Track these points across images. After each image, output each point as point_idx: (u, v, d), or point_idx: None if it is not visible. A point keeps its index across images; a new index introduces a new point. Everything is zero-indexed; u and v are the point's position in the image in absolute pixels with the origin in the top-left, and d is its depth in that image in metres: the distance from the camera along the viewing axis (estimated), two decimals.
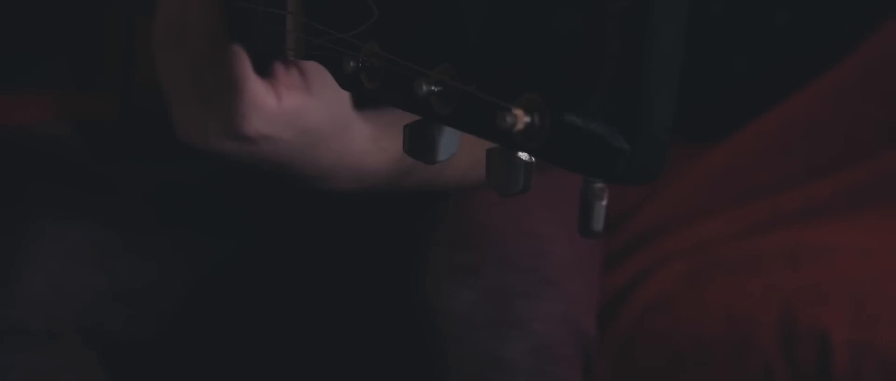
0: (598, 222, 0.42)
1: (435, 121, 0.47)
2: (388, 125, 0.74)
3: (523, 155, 0.44)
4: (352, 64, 0.50)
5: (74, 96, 1.06)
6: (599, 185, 0.42)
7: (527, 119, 0.41)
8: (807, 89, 1.50)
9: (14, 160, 1.02)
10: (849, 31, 1.54)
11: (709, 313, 1.26)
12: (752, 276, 1.30)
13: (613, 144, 0.38)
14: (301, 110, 0.65)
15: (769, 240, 1.36)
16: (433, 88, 0.45)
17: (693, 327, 1.26)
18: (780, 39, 1.67)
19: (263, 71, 0.66)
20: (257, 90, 0.64)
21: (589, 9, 0.39)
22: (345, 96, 0.69)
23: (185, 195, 1.04)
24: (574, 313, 0.82)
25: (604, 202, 0.42)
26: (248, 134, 0.65)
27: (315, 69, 0.65)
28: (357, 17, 0.51)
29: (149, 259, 1.01)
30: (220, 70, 0.64)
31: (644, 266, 1.33)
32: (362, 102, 0.71)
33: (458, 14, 0.45)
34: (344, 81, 0.52)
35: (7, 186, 0.99)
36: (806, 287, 1.26)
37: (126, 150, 0.99)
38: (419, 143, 0.50)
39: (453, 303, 0.79)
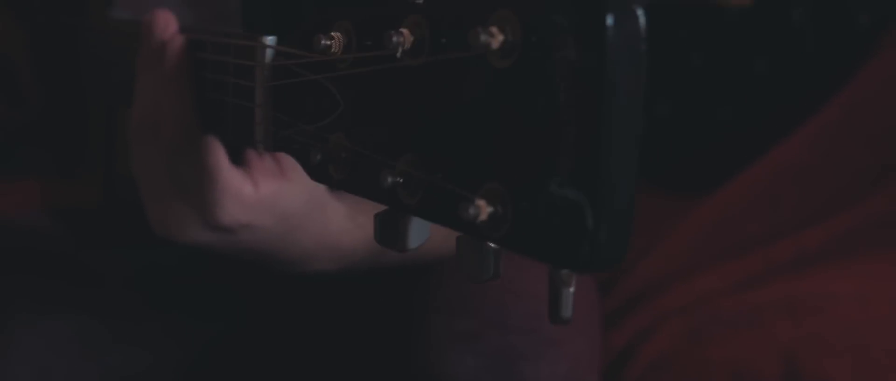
0: (567, 309, 0.42)
1: (402, 211, 0.46)
2: (363, 202, 0.73)
3: (491, 243, 0.43)
4: (319, 156, 0.50)
5: (57, 184, 1.06)
6: (566, 271, 0.42)
7: (490, 209, 0.40)
8: (792, 137, 1.50)
9: None
10: (829, 76, 1.54)
11: (713, 370, 1.25)
12: (752, 330, 1.29)
13: (575, 233, 0.38)
14: (279, 196, 0.65)
15: (766, 292, 1.35)
16: (398, 179, 0.45)
17: None
18: (761, 87, 1.67)
19: (238, 160, 0.66)
20: (233, 179, 0.64)
21: (545, 99, 0.39)
22: None
23: (168, 280, 1.04)
24: (577, 372, 0.82)
25: (571, 289, 0.41)
26: (225, 223, 0.64)
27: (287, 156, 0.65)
28: (324, 109, 0.51)
29: (139, 346, 1.00)
30: (194, 161, 0.64)
31: (643, 325, 1.32)
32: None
33: (420, 105, 0.45)
34: (313, 172, 0.52)
35: None
36: (807, 338, 1.25)
37: (108, 238, 0.99)
38: (389, 232, 0.49)
39: (456, 369, 0.78)
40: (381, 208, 0.77)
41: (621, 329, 1.32)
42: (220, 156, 0.64)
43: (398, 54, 0.45)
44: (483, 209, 0.40)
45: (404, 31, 0.44)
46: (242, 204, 0.64)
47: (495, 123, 0.41)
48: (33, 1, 1.03)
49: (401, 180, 0.45)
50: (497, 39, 0.39)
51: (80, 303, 1.00)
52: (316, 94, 0.52)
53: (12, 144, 1.13)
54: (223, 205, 0.63)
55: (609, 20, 0.36)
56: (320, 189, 0.69)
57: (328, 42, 0.49)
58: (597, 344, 0.89)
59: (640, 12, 0.37)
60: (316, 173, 0.51)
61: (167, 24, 0.65)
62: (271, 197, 0.65)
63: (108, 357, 0.98)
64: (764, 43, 1.64)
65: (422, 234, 0.49)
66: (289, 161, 0.65)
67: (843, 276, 1.34)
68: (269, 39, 0.55)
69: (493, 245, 0.44)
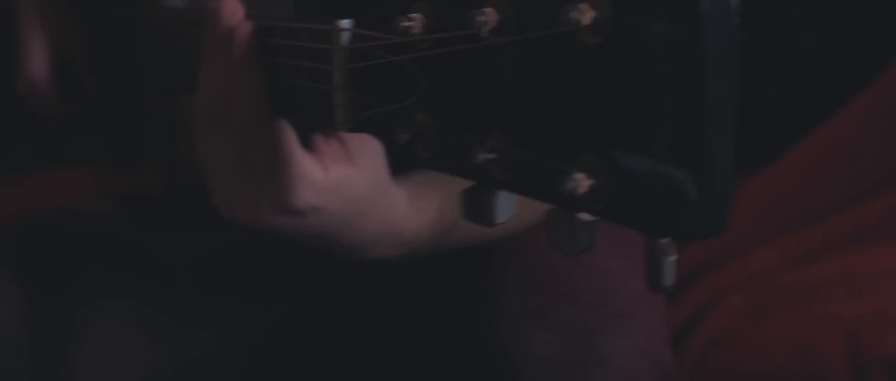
0: (669, 277, 0.42)
1: (494, 187, 0.47)
2: (422, 186, 0.75)
3: (585, 214, 0.44)
4: (405, 136, 0.50)
5: (116, 172, 1.07)
6: (665, 240, 0.42)
7: (589, 182, 0.41)
8: (843, 111, 1.49)
9: (62, 242, 1.04)
10: (878, 49, 1.53)
11: (774, 346, 1.25)
12: (812, 305, 1.28)
13: (678, 202, 0.38)
14: (347, 180, 0.66)
15: (824, 267, 1.34)
16: (490, 155, 0.45)
17: (759, 361, 1.25)
18: (809, 62, 1.66)
19: (304, 145, 0.66)
20: (306, 163, 0.65)
21: (639, 73, 0.39)
22: (383, 164, 0.69)
23: (232, 265, 1.05)
24: (652, 345, 0.82)
25: (672, 258, 0.42)
26: (297, 206, 0.65)
27: (355, 140, 0.67)
28: (404, 89, 0.52)
29: (204, 330, 1.02)
30: (266, 145, 0.65)
31: (701, 302, 1.32)
32: (398, 168, 0.72)
33: (507, 82, 0.45)
34: (397, 151, 0.52)
35: (59, 268, 1.01)
36: (870, 313, 1.25)
37: (171, 223, 1.00)
38: (477, 207, 0.50)
39: (531, 346, 0.78)
40: (439, 191, 0.79)
41: (679, 306, 1.32)
42: (292, 140, 0.64)
43: (483, 33, 0.45)
44: (581, 182, 0.40)
45: (488, 10, 0.45)
46: (313, 187, 0.65)
47: (587, 97, 0.41)
48: None
49: (493, 157, 0.45)
50: (587, 16, 0.40)
51: (146, 289, 1.01)
52: (396, 75, 0.52)
53: (70, 134, 1.15)
54: (295, 188, 0.64)
55: None
56: (384, 176, 0.70)
57: (408, 23, 0.49)
58: (665, 316, 0.89)
59: None
60: (402, 153, 0.52)
61: (234, 11, 0.66)
62: (340, 181, 0.66)
63: (175, 342, 1.00)
64: (812, 18, 1.63)
65: (508, 208, 0.49)
66: (355, 147, 0.67)
67: None
68: (345, 22, 0.56)
69: (586, 217, 0.44)
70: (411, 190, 0.74)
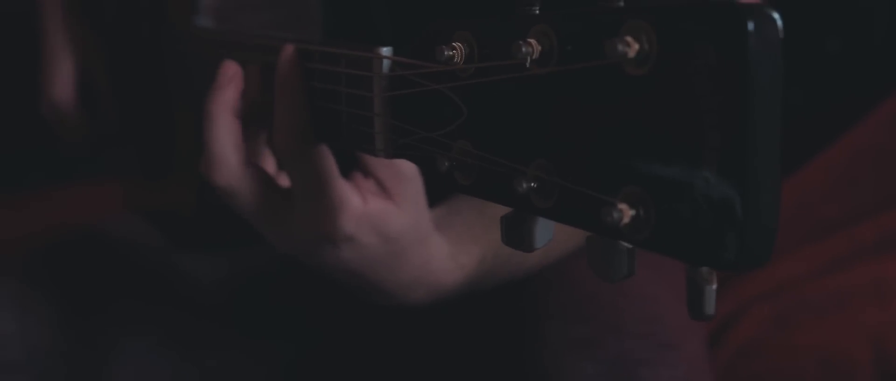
0: (710, 306, 0.42)
1: (535, 215, 0.47)
2: (463, 239, 0.74)
3: (625, 242, 0.44)
4: (446, 163, 0.51)
5: (145, 188, 1.08)
6: (706, 269, 0.42)
7: (632, 212, 0.41)
8: (868, 118, 1.49)
9: (93, 262, 1.05)
10: None
11: (802, 356, 1.25)
12: (839, 315, 1.28)
13: (723, 234, 0.39)
14: (384, 214, 0.66)
15: (851, 275, 1.34)
16: (532, 184, 0.46)
17: (787, 370, 1.25)
18: (834, 68, 1.65)
19: (343, 176, 0.66)
20: (343, 189, 0.64)
21: (685, 105, 0.40)
22: (424, 211, 0.69)
23: (265, 283, 1.06)
24: (694, 375, 0.80)
25: (714, 286, 0.42)
26: (334, 234, 0.65)
27: (394, 179, 0.66)
28: (445, 116, 0.52)
29: (237, 350, 1.02)
30: (305, 169, 0.65)
31: (729, 311, 1.32)
32: (438, 218, 0.71)
33: (549, 111, 0.46)
34: (437, 178, 0.53)
35: (91, 285, 1.02)
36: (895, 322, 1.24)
37: (203, 240, 1.01)
38: (516, 233, 0.50)
39: (576, 378, 0.77)
40: (480, 243, 0.78)
41: None
42: (332, 165, 0.65)
43: (527, 64, 0.46)
44: (625, 213, 0.41)
45: (532, 40, 0.46)
46: (350, 215, 0.64)
47: (630, 128, 0.42)
48: (112, 12, 1.05)
49: (534, 186, 0.46)
50: (633, 49, 0.40)
51: (178, 306, 1.02)
52: (436, 102, 0.53)
53: (92, 154, 1.16)
54: (332, 214, 0.64)
55: (750, 26, 0.37)
56: (424, 222, 0.69)
57: (451, 52, 0.50)
58: (706, 343, 0.88)
59: (776, 16, 0.38)
60: (442, 180, 0.53)
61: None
62: (377, 213, 0.65)
63: (207, 360, 1.00)
64: (836, 23, 1.63)
65: (546, 233, 0.50)
66: (395, 187, 0.66)
67: None
68: (385, 50, 0.57)
69: (626, 245, 0.45)
70: (453, 242, 0.73)
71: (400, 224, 0.66)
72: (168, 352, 0.99)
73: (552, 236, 0.51)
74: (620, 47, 0.40)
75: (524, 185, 0.46)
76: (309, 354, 1.03)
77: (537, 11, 0.48)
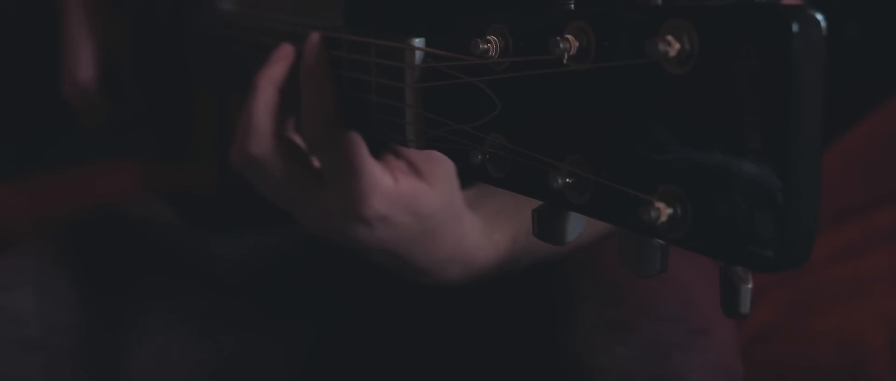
0: (746, 305, 0.43)
1: (570, 210, 0.48)
2: (497, 218, 0.75)
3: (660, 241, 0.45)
4: (479, 156, 0.51)
5: (164, 168, 1.09)
6: (741, 268, 0.42)
7: (669, 211, 0.41)
8: (885, 106, 1.49)
9: (115, 239, 1.05)
10: None
11: (817, 341, 1.25)
12: (855, 300, 1.28)
13: (762, 235, 0.39)
14: (416, 193, 0.67)
15: (867, 261, 1.34)
16: (567, 179, 0.46)
17: (802, 355, 1.25)
18: (853, 53, 1.65)
19: (375, 157, 0.67)
20: (375, 171, 0.65)
21: (726, 106, 0.40)
22: (456, 190, 0.70)
23: (287, 264, 1.06)
24: (726, 361, 0.80)
25: (750, 285, 0.42)
26: (367, 215, 0.66)
27: (425, 159, 0.67)
28: (478, 109, 0.52)
29: (253, 330, 1.03)
30: (334, 155, 0.66)
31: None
32: (470, 198, 0.72)
33: (586, 107, 0.46)
34: (468, 170, 0.53)
35: (111, 264, 1.02)
36: None
37: (223, 221, 1.02)
38: (548, 226, 0.51)
39: (609, 360, 0.77)
40: (512, 222, 0.78)
41: None
42: (363, 149, 0.66)
43: (564, 60, 0.46)
44: (663, 211, 0.41)
45: (570, 36, 0.45)
46: (383, 196, 0.65)
47: (669, 126, 0.42)
48: None
49: (569, 181, 0.46)
50: (674, 48, 0.40)
51: (200, 284, 1.02)
52: (469, 95, 0.53)
53: (112, 136, 1.16)
54: (366, 196, 0.65)
55: (795, 28, 0.37)
56: (458, 200, 0.70)
57: (486, 46, 0.50)
58: (737, 330, 0.88)
59: (820, 17, 0.38)
60: (474, 172, 0.53)
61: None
62: (409, 193, 0.66)
63: (223, 338, 1.01)
64: (855, 9, 1.62)
65: (578, 226, 0.50)
66: (426, 167, 0.67)
67: None
68: (418, 41, 0.57)
69: (659, 241, 0.45)
70: (486, 220, 0.74)
71: (432, 203, 0.67)
72: (188, 330, 0.99)
73: (583, 230, 0.51)
74: (661, 47, 0.40)
75: (559, 180, 0.46)
76: (333, 335, 1.03)
77: (573, 7, 0.48)
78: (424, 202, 0.67)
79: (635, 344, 0.77)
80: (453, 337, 0.92)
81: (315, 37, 0.66)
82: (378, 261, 0.72)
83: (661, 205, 0.41)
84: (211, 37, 0.89)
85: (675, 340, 0.77)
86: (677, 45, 0.40)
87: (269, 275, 1.05)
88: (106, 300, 0.99)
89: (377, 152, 0.67)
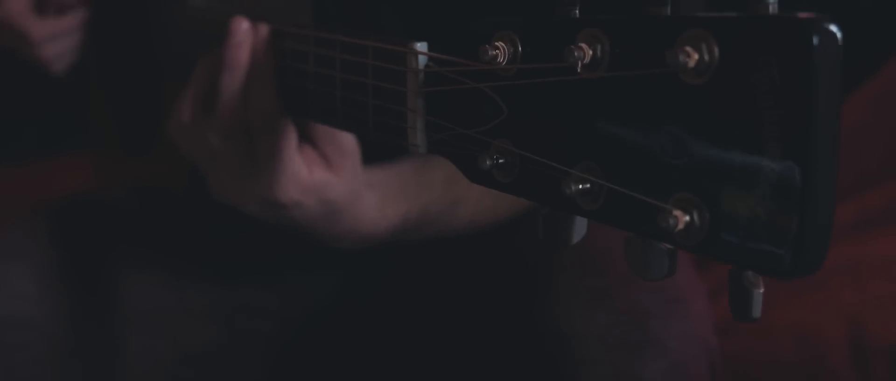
0: (758, 309, 0.44)
1: (582, 216, 0.48)
2: (391, 195, 0.82)
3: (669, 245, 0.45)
4: (487, 161, 0.52)
5: (126, 163, 1.08)
6: (751, 273, 0.43)
7: (686, 219, 0.42)
8: (850, 100, 1.51)
9: (75, 231, 1.04)
10: (885, 38, 1.55)
11: (778, 334, 1.27)
12: (816, 293, 1.30)
13: (779, 244, 0.40)
14: (326, 183, 0.74)
15: (829, 255, 1.35)
16: (581, 186, 0.47)
17: (763, 348, 1.27)
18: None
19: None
20: (297, 162, 0.73)
21: (744, 116, 0.40)
22: (360, 176, 0.77)
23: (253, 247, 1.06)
24: (702, 330, 0.83)
25: (761, 290, 0.43)
26: (283, 200, 0.74)
27: (336, 152, 0.74)
28: (484, 114, 0.53)
29: (214, 322, 1.03)
30: (268, 143, 0.72)
31: (706, 289, 1.34)
32: (376, 174, 0.80)
33: (598, 114, 0.47)
34: (474, 174, 0.54)
35: (93, 251, 1.02)
36: (872, 301, 1.26)
37: (193, 216, 1.01)
38: (555, 232, 0.51)
39: (588, 326, 0.80)
40: (408, 199, 0.82)
41: None
42: (293, 141, 0.73)
43: (578, 68, 0.46)
44: (680, 219, 0.42)
45: (583, 45, 0.46)
46: (298, 184, 0.73)
47: (685, 135, 0.43)
48: None
49: (582, 187, 0.47)
50: (693, 59, 0.41)
51: (159, 278, 1.03)
52: (473, 99, 0.53)
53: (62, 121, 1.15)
54: (284, 183, 0.73)
55: (815, 41, 0.38)
56: (359, 185, 0.77)
57: (494, 52, 0.51)
58: (709, 304, 0.91)
59: (835, 28, 0.39)
60: (480, 177, 0.53)
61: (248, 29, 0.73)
62: (320, 182, 0.74)
63: (182, 332, 1.01)
64: (823, 5, 1.64)
65: (582, 229, 0.51)
66: (337, 159, 0.75)
67: None
68: (420, 45, 0.57)
69: (668, 246, 0.45)
70: (383, 197, 0.81)
71: (338, 191, 0.75)
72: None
73: (585, 233, 0.52)
74: (682, 58, 0.41)
75: (573, 186, 0.47)
76: (317, 316, 1.05)
77: (578, 13, 0.49)
78: (331, 190, 0.75)
79: (615, 311, 0.80)
80: (435, 309, 0.95)
81: (264, 30, 0.72)
82: (290, 232, 0.80)
83: (678, 212, 0.42)
84: (180, 32, 0.89)
85: (653, 308, 0.80)
86: (696, 56, 0.41)
87: (256, 268, 1.05)
88: (83, 293, 0.99)
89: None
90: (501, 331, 0.85)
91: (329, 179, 0.75)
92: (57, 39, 1.02)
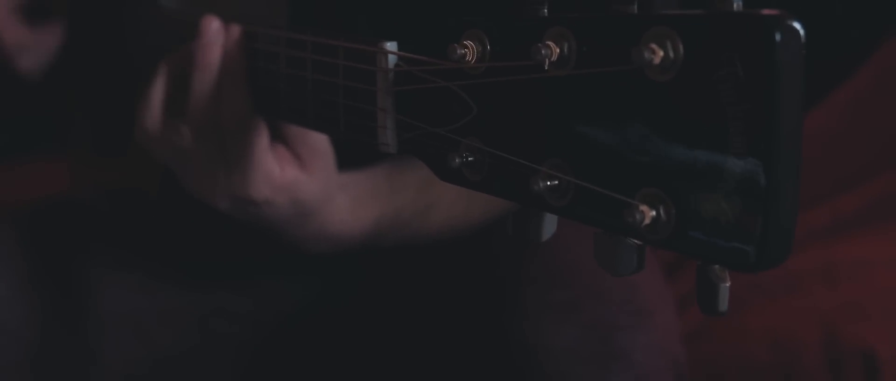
0: (724, 303, 0.44)
1: (551, 213, 0.48)
2: (366, 198, 0.82)
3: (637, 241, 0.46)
4: (456, 160, 0.52)
5: (100, 165, 1.07)
6: (718, 267, 0.44)
7: (652, 213, 0.43)
8: (824, 103, 1.51)
9: (48, 234, 1.04)
10: (858, 42, 1.55)
11: (752, 338, 1.27)
12: (790, 297, 1.30)
13: (744, 238, 0.40)
14: (298, 182, 0.75)
15: (803, 258, 1.36)
16: (548, 183, 0.47)
17: (737, 352, 1.27)
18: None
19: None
20: (268, 161, 0.73)
21: (707, 111, 0.41)
22: (332, 176, 0.77)
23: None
24: (668, 342, 0.84)
25: (727, 284, 0.44)
26: (255, 198, 0.74)
27: (308, 151, 0.75)
28: (453, 113, 0.53)
29: (188, 325, 1.03)
30: (241, 143, 0.73)
31: (681, 293, 1.34)
32: (349, 178, 0.80)
33: (565, 112, 0.47)
34: (444, 173, 0.54)
35: (50, 258, 1.01)
36: (846, 305, 1.27)
37: (167, 219, 1.01)
38: (525, 228, 0.52)
39: (555, 340, 0.80)
40: (381, 204, 0.83)
41: None
42: (265, 141, 0.73)
43: (545, 66, 0.47)
44: (646, 214, 0.42)
45: (550, 43, 0.46)
46: (269, 183, 0.74)
47: (651, 131, 0.43)
48: None
49: (550, 184, 0.47)
50: (658, 56, 0.42)
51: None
52: (443, 98, 0.54)
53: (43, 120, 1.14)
54: (256, 182, 0.73)
55: (777, 37, 0.38)
56: (331, 185, 0.77)
57: (463, 51, 0.51)
58: (678, 315, 0.91)
59: (798, 25, 0.39)
60: (450, 175, 0.53)
61: (219, 28, 0.73)
62: (292, 181, 0.74)
63: (156, 335, 1.01)
64: (793, 8, 1.65)
65: (552, 226, 0.51)
66: (309, 158, 0.75)
67: (880, 241, 1.36)
68: (390, 45, 0.57)
69: (636, 241, 0.46)
70: (354, 200, 0.81)
71: (310, 190, 0.75)
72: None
73: (555, 230, 0.52)
74: (646, 55, 0.41)
75: (541, 183, 0.47)
76: (287, 327, 1.05)
77: (546, 12, 0.49)
78: (303, 190, 0.75)
79: (582, 325, 0.80)
80: (405, 320, 0.95)
81: (235, 30, 0.72)
82: (261, 231, 0.80)
83: (644, 207, 0.43)
84: (152, 33, 0.89)
85: (620, 321, 0.81)
86: (661, 53, 0.42)
87: (231, 272, 1.05)
88: (65, 292, 0.99)
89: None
90: (470, 344, 0.85)
91: (301, 178, 0.75)
92: (34, 50, 1.02)
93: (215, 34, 0.72)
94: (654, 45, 0.42)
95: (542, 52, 0.46)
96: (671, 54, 0.41)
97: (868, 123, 1.48)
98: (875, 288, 1.28)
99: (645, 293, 0.84)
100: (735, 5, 0.41)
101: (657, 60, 0.42)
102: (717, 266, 0.44)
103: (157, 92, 0.77)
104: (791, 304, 1.30)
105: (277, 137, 0.75)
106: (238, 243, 1.00)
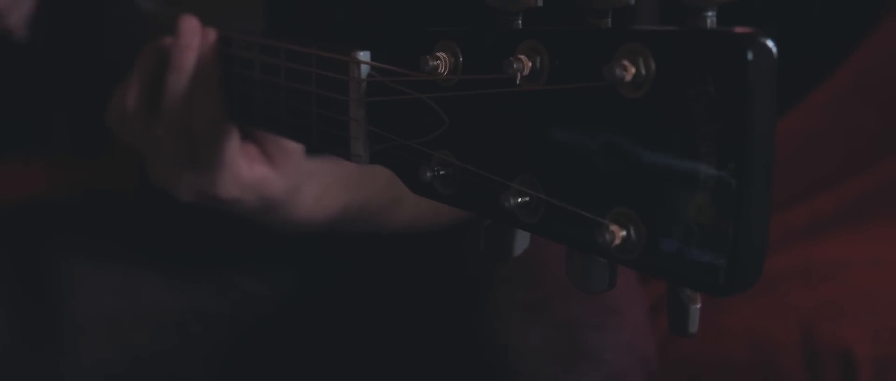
0: (694, 324, 0.44)
1: (521, 229, 0.48)
2: (331, 186, 0.83)
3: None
4: (428, 173, 0.51)
5: (77, 167, 1.07)
6: (689, 289, 0.43)
7: (623, 233, 0.42)
8: (803, 103, 1.52)
9: (24, 235, 1.03)
10: (839, 42, 1.56)
11: (730, 337, 1.28)
12: (768, 296, 1.31)
13: (715, 259, 0.40)
14: (266, 180, 0.76)
15: (781, 258, 1.37)
16: (519, 199, 0.47)
17: (716, 351, 1.27)
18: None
19: None
20: (240, 163, 0.74)
21: (679, 129, 0.40)
22: (301, 172, 0.78)
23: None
24: (638, 340, 0.84)
25: (698, 305, 0.43)
26: (224, 197, 0.76)
27: (276, 148, 0.75)
28: (425, 125, 0.52)
29: (165, 326, 1.02)
30: (214, 146, 0.73)
31: (658, 293, 1.34)
32: (320, 164, 0.80)
33: (537, 127, 0.46)
34: (416, 186, 0.53)
35: (26, 259, 1.00)
36: (824, 304, 1.27)
37: (144, 220, 1.01)
38: (496, 244, 0.51)
39: (524, 339, 0.80)
40: (349, 192, 0.83)
41: None
42: (236, 144, 0.74)
43: (517, 80, 0.46)
44: (617, 234, 0.42)
45: (522, 57, 0.46)
46: (239, 183, 0.75)
47: (622, 149, 0.43)
48: None
49: (520, 201, 0.47)
50: (630, 73, 0.41)
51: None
52: (416, 110, 0.53)
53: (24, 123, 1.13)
54: (227, 184, 0.75)
55: (750, 56, 0.38)
56: (299, 178, 0.78)
57: (435, 62, 0.50)
58: (648, 315, 0.91)
59: (771, 43, 0.39)
60: (421, 188, 0.53)
61: (196, 29, 0.73)
62: (260, 179, 0.75)
63: (133, 336, 1.00)
64: (772, 9, 1.65)
65: (524, 241, 0.51)
66: (278, 155, 0.76)
67: (858, 241, 1.37)
68: (363, 54, 0.56)
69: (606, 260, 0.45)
70: (321, 187, 0.82)
71: (278, 187, 0.77)
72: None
73: (528, 245, 0.51)
74: (618, 71, 0.41)
75: (512, 200, 0.47)
76: (262, 327, 1.04)
77: (520, 24, 0.49)
78: (271, 186, 0.76)
79: (551, 324, 0.80)
80: (379, 320, 0.95)
81: (211, 35, 0.72)
82: (224, 217, 0.81)
83: (614, 227, 0.42)
84: (131, 34, 0.88)
85: (589, 320, 0.81)
86: (633, 70, 0.41)
87: (209, 273, 1.05)
88: (41, 293, 0.98)
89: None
90: (441, 344, 0.86)
91: (269, 175, 0.76)
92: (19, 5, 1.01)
93: (191, 35, 0.72)
94: (626, 62, 0.41)
95: (514, 66, 0.45)
96: (643, 71, 0.41)
97: (846, 124, 1.48)
98: (853, 288, 1.28)
99: (615, 292, 0.84)
100: (708, 22, 0.41)
101: (629, 77, 0.41)
102: (687, 289, 0.43)
103: (136, 81, 0.77)
104: (769, 303, 1.30)
105: (248, 135, 0.76)
106: (214, 245, 0.99)
